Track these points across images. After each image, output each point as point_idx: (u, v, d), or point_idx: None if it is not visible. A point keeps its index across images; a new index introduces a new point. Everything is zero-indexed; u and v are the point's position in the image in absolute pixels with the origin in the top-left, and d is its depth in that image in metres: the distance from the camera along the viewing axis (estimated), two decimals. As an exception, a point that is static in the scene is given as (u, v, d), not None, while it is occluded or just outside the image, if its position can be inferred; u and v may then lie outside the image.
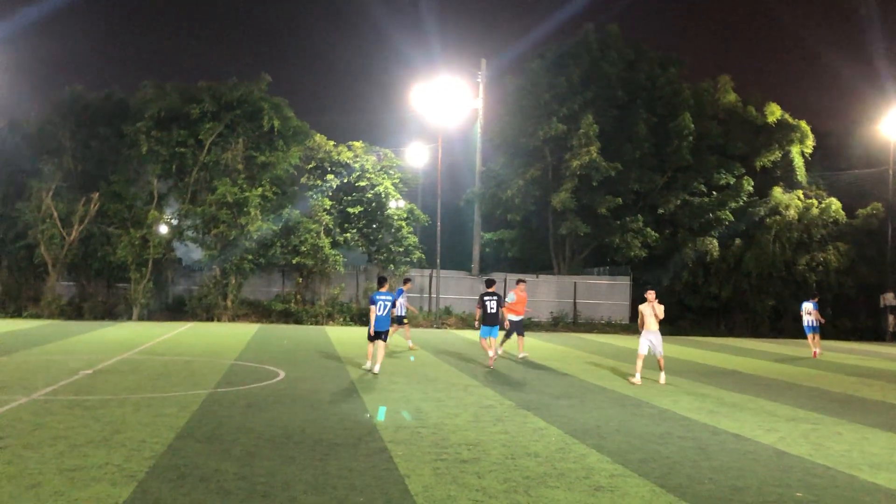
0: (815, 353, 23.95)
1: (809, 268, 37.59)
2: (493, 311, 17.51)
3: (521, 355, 18.97)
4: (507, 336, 19.29)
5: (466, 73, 37.68)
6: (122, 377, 13.48)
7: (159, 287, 31.87)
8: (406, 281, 22.41)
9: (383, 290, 15.59)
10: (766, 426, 10.88)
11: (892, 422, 11.68)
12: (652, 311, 15.46)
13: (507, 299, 19.15)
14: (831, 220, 37.97)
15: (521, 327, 19.18)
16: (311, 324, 31.24)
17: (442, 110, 35.17)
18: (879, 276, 37.51)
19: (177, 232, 32.02)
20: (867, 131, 41.04)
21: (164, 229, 31.92)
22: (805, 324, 24.30)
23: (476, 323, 19.43)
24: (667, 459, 8.48)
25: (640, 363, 15.60)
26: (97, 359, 16.12)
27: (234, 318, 31.44)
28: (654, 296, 15.55)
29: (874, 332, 36.26)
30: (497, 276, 36.61)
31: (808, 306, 24.30)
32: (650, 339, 15.46)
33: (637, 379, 15.30)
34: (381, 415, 10.47)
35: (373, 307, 15.17)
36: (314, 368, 15.78)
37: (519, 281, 19.82)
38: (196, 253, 32.76)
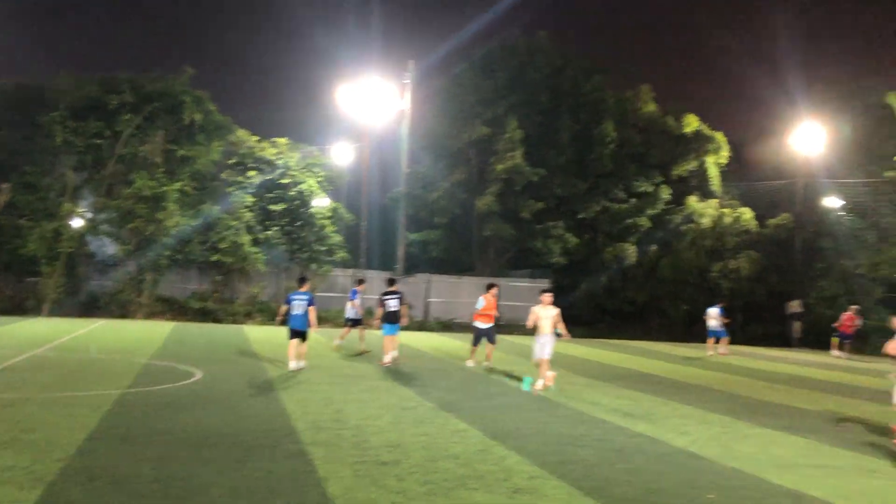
0: (711, 353, 26.33)
1: (722, 274, 38.81)
2: (394, 309, 17.72)
3: (485, 363, 17.94)
4: (475, 343, 18.06)
5: (394, 74, 37.60)
6: (31, 375, 12.99)
7: (71, 282, 30.79)
8: (360, 282, 21.70)
9: (302, 289, 15.70)
10: (680, 429, 11.18)
11: (797, 425, 12.14)
12: (547, 314, 14.92)
13: (477, 306, 17.90)
14: (743, 229, 39.30)
15: (492, 335, 17.80)
16: (230, 323, 30.68)
17: (368, 110, 35.04)
18: (787, 284, 38.94)
19: (91, 226, 31.03)
20: (779, 144, 42.60)
21: (77, 222, 30.89)
22: (709, 328, 26.63)
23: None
24: (584, 461, 8.63)
25: (544, 368, 14.72)
26: (4, 355, 15.49)
27: (150, 315, 30.64)
28: (549, 299, 15.15)
29: (782, 339, 37.58)
30: (421, 277, 36.73)
31: (712, 311, 26.59)
32: (542, 343, 14.77)
33: (542, 384, 14.48)
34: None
35: (283, 307, 15.71)
36: (232, 368, 15.50)
37: (490, 286, 18.14)
38: (111, 247, 31.81)
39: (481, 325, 17.80)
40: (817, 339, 36.93)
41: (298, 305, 15.37)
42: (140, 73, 31.68)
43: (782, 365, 24.78)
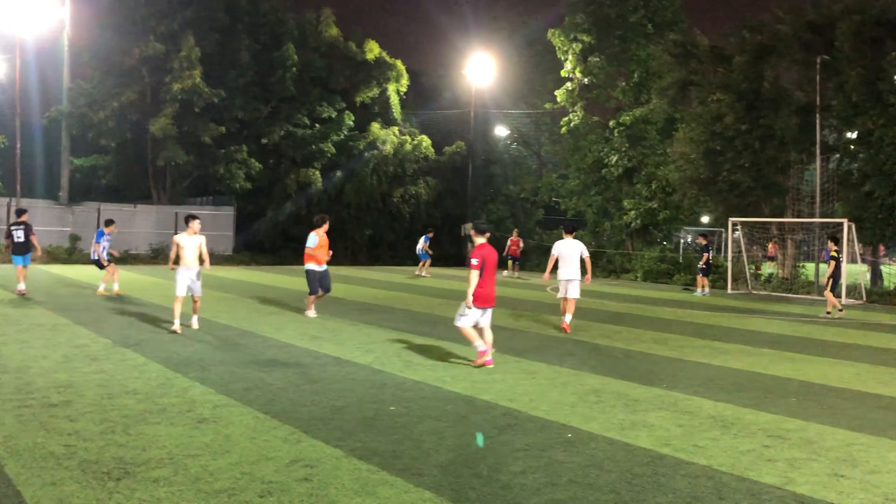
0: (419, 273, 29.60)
1: (403, 200, 40.50)
2: (21, 240, 17.68)
3: (309, 312, 15.23)
4: (313, 292, 15.15)
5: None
6: None
7: None
8: (109, 223, 18.91)
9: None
10: (364, 348, 11.58)
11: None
12: (192, 244, 12.81)
13: (308, 244, 15.07)
14: (422, 156, 41.16)
15: (327, 279, 15.29)
16: None
17: (21, 17, 31.12)
18: (462, 208, 41.65)
19: None
20: (455, 75, 44.90)
21: None
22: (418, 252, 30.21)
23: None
24: (270, 387, 8.62)
25: (178, 307, 12.65)
26: None
27: None
28: (198, 226, 13.04)
29: (457, 259, 40.26)
30: (90, 206, 33.98)
31: (421, 239, 30.15)
32: (190, 278, 12.79)
33: (176, 326, 12.52)
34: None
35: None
36: None
37: (320, 219, 15.25)
38: None
39: (316, 267, 15.08)
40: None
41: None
42: None
43: (456, 283, 26.57)
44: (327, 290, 15.46)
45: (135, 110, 34.45)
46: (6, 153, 32.33)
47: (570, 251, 14.25)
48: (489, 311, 10.55)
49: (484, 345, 10.34)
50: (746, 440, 7.09)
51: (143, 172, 37.10)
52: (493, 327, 10.90)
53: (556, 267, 14.53)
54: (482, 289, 10.26)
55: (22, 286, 17.43)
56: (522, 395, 8.67)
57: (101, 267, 18.71)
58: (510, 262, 31.98)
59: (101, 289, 18.66)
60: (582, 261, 14.26)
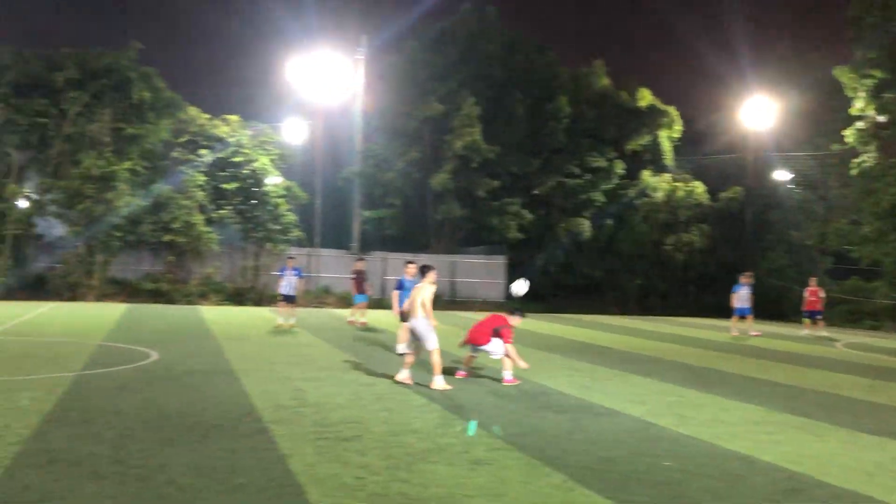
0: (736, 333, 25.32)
1: (675, 248, 39.44)
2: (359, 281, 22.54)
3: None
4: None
5: (346, 50, 37.29)
6: (-20, 360, 12.72)
7: (19, 264, 30.10)
8: (290, 258, 23.31)
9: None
10: (636, 399, 11.38)
11: (747, 392, 12.44)
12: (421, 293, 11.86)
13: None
14: (696, 202, 39.93)
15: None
16: (184, 303, 30.34)
17: (321, 87, 34.78)
18: (739, 256, 39.71)
19: (38, 207, 30.34)
20: (730, 118, 43.27)
21: (24, 203, 30.17)
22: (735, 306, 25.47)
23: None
24: (543, 433, 8.75)
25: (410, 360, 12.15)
26: (-49, 341, 15.16)
27: (101, 297, 30.13)
28: (414, 270, 13.52)
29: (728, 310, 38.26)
30: (376, 255, 36.68)
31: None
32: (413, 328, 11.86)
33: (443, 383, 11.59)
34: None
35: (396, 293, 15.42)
36: (188, 349, 15.36)
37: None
38: (59, 229, 31.16)
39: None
40: (766, 309, 37.78)
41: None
42: (85, 49, 30.90)
43: (754, 336, 25.24)
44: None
45: (417, 168, 36.99)
46: (307, 209, 35.99)
47: None
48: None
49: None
50: None
51: (424, 224, 39.51)
52: (770, 381, 10.24)
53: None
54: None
55: (363, 319, 22.39)
56: (809, 459, 8.06)
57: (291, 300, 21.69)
58: (807, 320, 26.96)
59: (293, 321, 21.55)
60: None
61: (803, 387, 13.55)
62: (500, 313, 13.16)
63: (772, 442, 8.82)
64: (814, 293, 27.02)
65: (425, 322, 11.51)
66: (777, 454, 8.19)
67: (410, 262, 15.98)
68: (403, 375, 11.86)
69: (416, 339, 11.70)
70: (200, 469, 6.65)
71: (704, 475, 7.22)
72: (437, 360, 11.49)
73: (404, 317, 13.12)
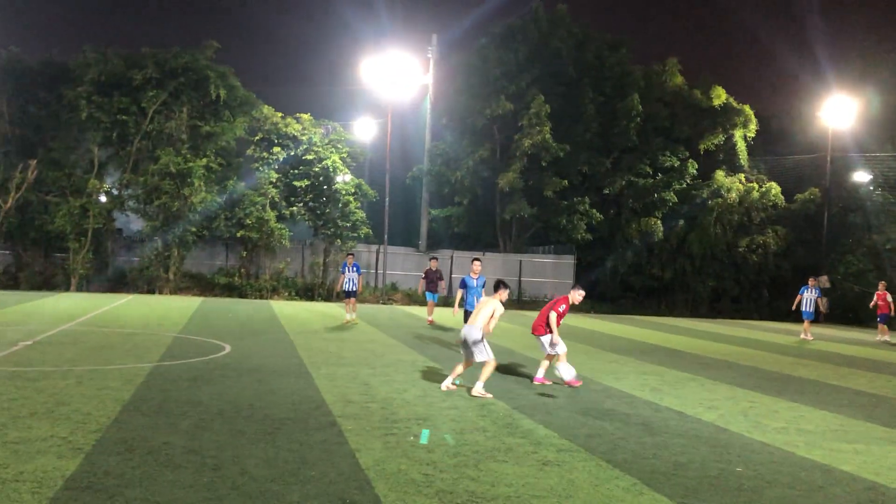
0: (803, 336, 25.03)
1: (749, 250, 38.53)
2: (432, 281, 22.70)
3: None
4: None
5: (417, 49, 37.55)
6: (64, 349, 13.19)
7: (99, 258, 31.16)
8: (350, 254, 23.74)
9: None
10: (707, 404, 11.16)
11: (825, 400, 12.08)
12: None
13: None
14: (771, 203, 38.94)
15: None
16: (256, 298, 30.95)
17: (391, 85, 34.99)
18: (815, 259, 38.62)
19: (118, 202, 31.34)
20: (807, 118, 42.05)
21: (104, 198, 31.19)
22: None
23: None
24: (612, 435, 8.65)
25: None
26: (36, 329, 15.75)
27: (177, 290, 30.97)
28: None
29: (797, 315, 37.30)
30: (444, 253, 36.80)
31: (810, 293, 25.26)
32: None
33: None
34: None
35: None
36: (260, 343, 15.65)
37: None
38: (137, 223, 32.14)
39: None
40: (844, 314, 36.63)
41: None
42: (164, 49, 31.77)
43: (810, 340, 24.57)
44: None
45: (485, 167, 36.95)
46: (375, 206, 36.35)
47: None
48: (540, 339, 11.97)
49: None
50: None
51: (491, 222, 39.48)
52: (849, 389, 9.91)
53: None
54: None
55: (430, 317, 22.65)
56: (890, 470, 7.78)
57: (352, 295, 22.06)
58: (884, 325, 26.66)
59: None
60: None
61: (883, 395, 13.10)
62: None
63: (851, 451, 8.54)
64: (882, 297, 26.65)
65: (479, 333, 10.73)
66: (857, 464, 7.94)
67: (477, 259, 16.16)
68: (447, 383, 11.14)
69: (466, 347, 10.91)
70: (272, 461, 6.77)
71: (779, 483, 7.04)
72: (487, 372, 10.80)
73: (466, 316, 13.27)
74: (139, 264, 31.17)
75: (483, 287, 15.67)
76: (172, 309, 23.29)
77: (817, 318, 37.48)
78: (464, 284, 15.59)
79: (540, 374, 12.10)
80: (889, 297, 26.61)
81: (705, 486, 6.80)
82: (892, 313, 26.50)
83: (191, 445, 7.12)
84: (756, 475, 7.28)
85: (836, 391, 13.21)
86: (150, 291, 30.53)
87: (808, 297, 25.14)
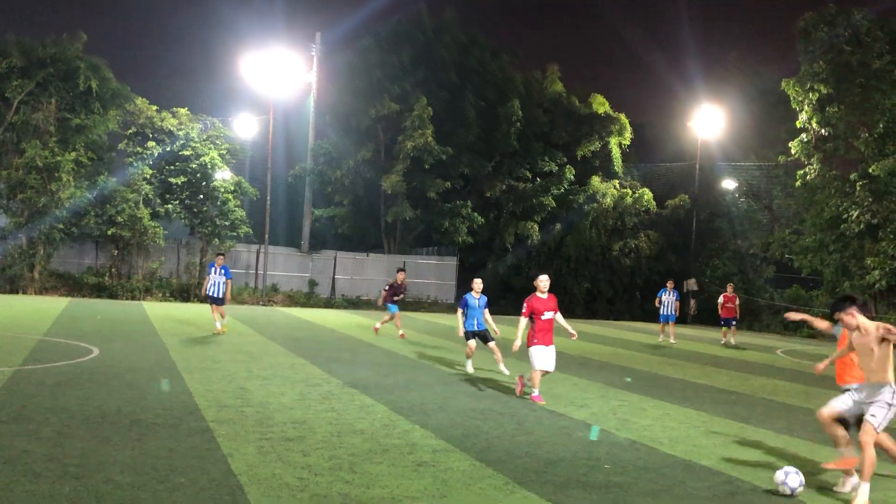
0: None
1: (623, 253, 39.95)
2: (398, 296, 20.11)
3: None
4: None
5: (301, 46, 37.00)
6: (-88, 353, 12.35)
7: (-44, 255, 29.26)
8: (220, 255, 20.55)
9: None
10: (579, 402, 11.53)
11: (690, 397, 12.68)
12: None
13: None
14: (643, 209, 40.52)
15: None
16: (127, 299, 29.80)
17: (274, 82, 34.41)
18: (684, 263, 40.40)
19: (-23, 196, 29.52)
20: (678, 127, 44.03)
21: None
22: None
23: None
24: (487, 435, 8.82)
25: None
26: None
27: (42, 291, 29.44)
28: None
29: (678, 316, 39.01)
30: (328, 254, 36.47)
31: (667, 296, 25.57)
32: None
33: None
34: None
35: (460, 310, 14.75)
36: (131, 346, 15.10)
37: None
38: (0, 219, 30.36)
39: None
40: (712, 315, 38.48)
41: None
42: (31, 38, 30.17)
43: (679, 341, 25.69)
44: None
45: (369, 167, 36.82)
46: (257, 205, 35.60)
47: None
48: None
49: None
50: None
51: (376, 224, 39.35)
52: (711, 387, 10.43)
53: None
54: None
55: (401, 331, 19.96)
56: (746, 464, 8.25)
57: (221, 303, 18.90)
58: (724, 328, 26.72)
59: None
60: None
61: (742, 392, 13.85)
62: None
63: (710, 446, 9.00)
64: (730, 300, 26.52)
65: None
66: (715, 458, 8.37)
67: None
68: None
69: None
70: (139, 468, 6.56)
71: (644, 479, 7.35)
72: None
73: (469, 336, 14.22)
74: (1, 262, 29.45)
75: (486, 307, 15.08)
76: (37, 310, 22.15)
77: (685, 318, 39.34)
78: (465, 304, 14.63)
79: (535, 392, 11.65)
80: (737, 301, 26.82)
81: (574, 483, 7.03)
82: (738, 315, 26.78)
83: (52, 453, 6.82)
84: (622, 472, 7.58)
85: (701, 389, 13.88)
86: (14, 292, 28.90)
87: (667, 300, 25.56)
